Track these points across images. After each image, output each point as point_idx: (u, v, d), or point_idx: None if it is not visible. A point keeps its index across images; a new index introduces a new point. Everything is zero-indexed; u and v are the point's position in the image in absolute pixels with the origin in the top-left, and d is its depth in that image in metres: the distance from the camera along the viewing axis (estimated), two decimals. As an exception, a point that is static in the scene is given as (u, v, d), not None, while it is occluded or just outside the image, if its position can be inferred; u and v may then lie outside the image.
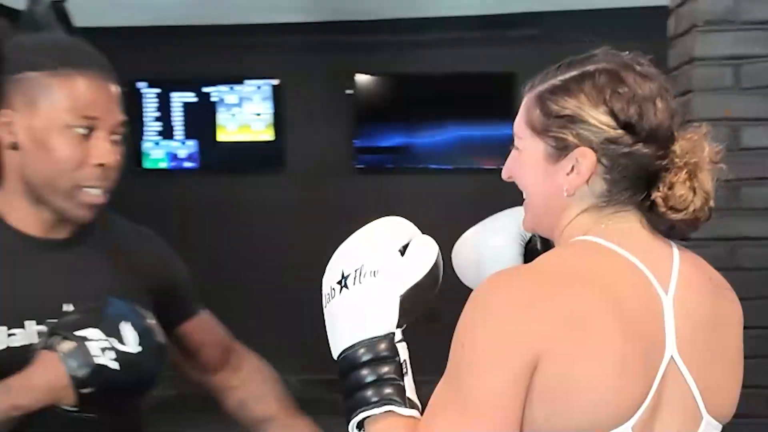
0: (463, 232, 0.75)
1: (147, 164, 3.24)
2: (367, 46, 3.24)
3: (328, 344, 0.52)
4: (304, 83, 3.23)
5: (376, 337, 0.49)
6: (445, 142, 3.25)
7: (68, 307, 0.69)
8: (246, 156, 3.25)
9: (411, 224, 0.57)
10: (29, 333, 0.67)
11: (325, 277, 0.55)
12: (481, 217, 0.76)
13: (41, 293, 0.69)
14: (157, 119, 3.21)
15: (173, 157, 3.24)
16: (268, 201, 3.26)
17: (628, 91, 0.51)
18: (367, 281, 0.50)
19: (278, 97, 3.22)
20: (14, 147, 0.67)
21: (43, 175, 0.68)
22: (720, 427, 0.59)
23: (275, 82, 3.21)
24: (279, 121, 3.22)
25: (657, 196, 0.52)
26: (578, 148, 0.51)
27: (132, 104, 3.14)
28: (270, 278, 3.26)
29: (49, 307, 0.68)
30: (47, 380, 0.61)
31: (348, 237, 0.53)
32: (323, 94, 3.26)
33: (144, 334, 0.63)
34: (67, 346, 0.60)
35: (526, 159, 0.56)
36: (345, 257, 0.54)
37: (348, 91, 3.21)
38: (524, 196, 0.59)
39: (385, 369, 0.48)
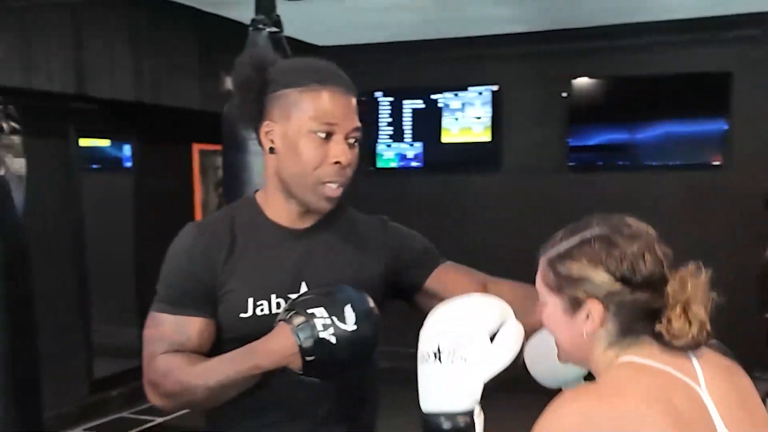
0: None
1: (380, 164, 3.71)
2: (582, 51, 3.42)
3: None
4: (522, 88, 3.49)
5: (458, 413, 0.59)
6: (656, 140, 3.37)
7: (305, 287, 0.79)
8: (466, 156, 3.60)
9: (505, 305, 0.67)
10: (272, 305, 0.78)
11: (422, 338, 0.64)
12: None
13: (286, 273, 0.80)
14: (389, 124, 3.65)
15: (402, 157, 3.68)
16: (486, 197, 3.61)
17: (619, 252, 0.59)
18: (458, 364, 0.59)
19: (497, 101, 3.52)
20: (272, 151, 0.79)
21: (293, 173, 0.78)
22: None
23: (495, 88, 3.51)
24: (497, 124, 3.53)
25: (660, 328, 0.59)
26: (588, 300, 0.60)
27: (369, 111, 3.59)
28: (486, 268, 3.63)
29: (290, 286, 0.79)
30: (281, 346, 0.69)
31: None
32: (539, 98, 3.50)
33: (362, 317, 0.71)
34: (299, 320, 0.69)
35: (551, 312, 0.65)
36: (443, 331, 0.63)
37: (563, 94, 3.44)
38: (554, 342, 0.67)
39: None
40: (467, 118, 3.56)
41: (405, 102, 3.62)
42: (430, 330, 0.63)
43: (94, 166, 3.10)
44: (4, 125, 1.40)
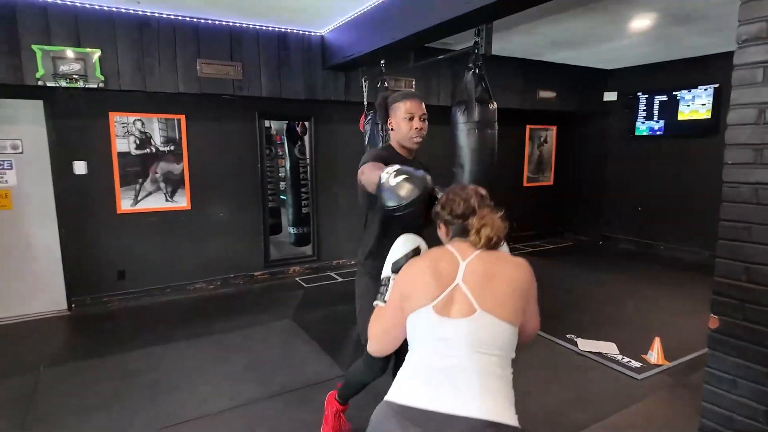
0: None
1: (637, 133, 6.56)
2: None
3: None
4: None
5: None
6: None
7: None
8: (693, 127, 5.99)
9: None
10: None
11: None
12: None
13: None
14: (644, 110, 6.43)
15: (651, 129, 6.40)
16: (705, 155, 5.91)
17: (449, 202, 1.45)
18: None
19: (717, 94, 5.72)
20: (392, 129, 2.19)
21: (400, 136, 2.16)
22: (500, 322, 1.25)
23: (716, 86, 5.73)
24: (716, 107, 5.75)
25: (470, 237, 1.38)
26: (440, 222, 1.48)
27: (633, 104, 6.47)
28: (699, 202, 5.99)
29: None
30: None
31: None
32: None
33: (419, 178, 1.53)
34: (393, 171, 1.58)
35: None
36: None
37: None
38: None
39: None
40: (696, 105, 5.91)
41: (655, 97, 6.29)
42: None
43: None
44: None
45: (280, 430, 2.57)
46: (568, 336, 3.72)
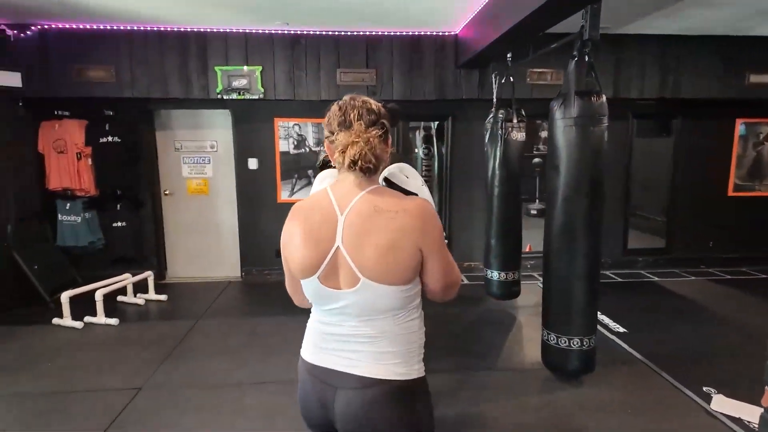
0: None
1: None
2: None
3: None
4: None
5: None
6: None
7: None
8: None
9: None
10: None
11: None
12: None
13: None
14: None
15: None
16: None
17: (331, 114, 1.20)
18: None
19: None
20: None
21: None
22: (383, 286, 1.11)
23: None
24: None
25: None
26: (325, 142, 1.22)
27: None
28: None
29: None
30: None
31: None
32: None
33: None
34: None
35: None
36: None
37: None
38: None
39: None
40: None
41: None
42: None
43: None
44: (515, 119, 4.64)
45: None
46: (704, 389, 2.91)
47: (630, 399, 2.86)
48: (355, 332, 1.19)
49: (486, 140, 4.30)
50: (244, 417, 2.71)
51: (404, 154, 8.66)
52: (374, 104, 1.22)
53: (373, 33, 4.70)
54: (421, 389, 1.25)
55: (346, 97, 1.23)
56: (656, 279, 5.40)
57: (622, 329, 3.91)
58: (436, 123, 6.15)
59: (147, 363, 3.33)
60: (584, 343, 2.90)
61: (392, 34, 4.72)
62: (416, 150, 8.12)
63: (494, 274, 4.35)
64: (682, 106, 5.47)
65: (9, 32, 4.35)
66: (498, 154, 4.18)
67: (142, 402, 2.84)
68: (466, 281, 5.36)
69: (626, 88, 5.00)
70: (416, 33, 4.73)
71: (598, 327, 3.92)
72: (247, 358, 3.43)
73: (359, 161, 1.13)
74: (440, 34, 4.75)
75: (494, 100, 4.37)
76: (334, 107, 1.22)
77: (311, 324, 1.31)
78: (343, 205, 1.15)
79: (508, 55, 4.08)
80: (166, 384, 3.06)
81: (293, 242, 1.19)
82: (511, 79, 4.16)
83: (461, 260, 5.62)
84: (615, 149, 5.63)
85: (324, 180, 1.35)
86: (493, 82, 4.42)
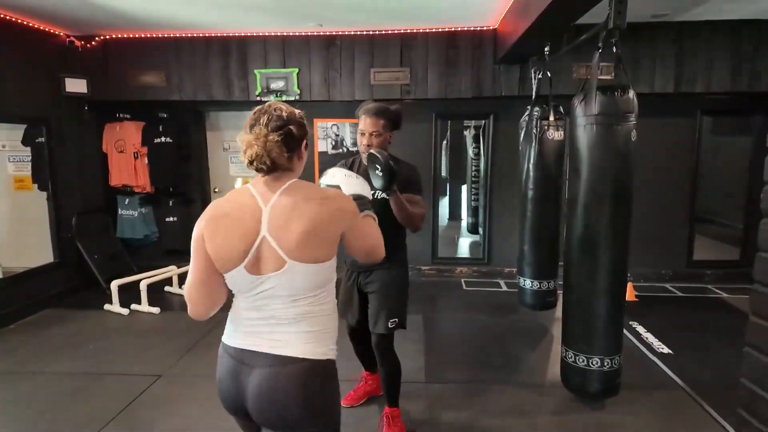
0: None
1: None
2: None
3: None
4: None
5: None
6: None
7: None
8: None
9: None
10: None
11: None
12: None
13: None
14: None
15: None
16: None
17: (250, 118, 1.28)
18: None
19: None
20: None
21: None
22: (306, 264, 1.22)
23: None
24: None
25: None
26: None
27: None
28: None
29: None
30: None
31: None
32: None
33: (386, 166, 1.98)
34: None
35: None
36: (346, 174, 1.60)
37: None
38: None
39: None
40: None
41: None
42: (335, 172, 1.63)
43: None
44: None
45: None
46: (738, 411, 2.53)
47: (656, 427, 2.57)
48: (277, 314, 1.28)
49: (520, 139, 4.07)
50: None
51: (453, 154, 8.52)
52: (287, 112, 1.30)
53: (408, 31, 4.62)
54: (331, 371, 1.33)
55: (267, 103, 1.32)
56: (724, 295, 4.81)
57: (666, 350, 3.52)
58: (482, 122, 5.92)
59: (173, 352, 3.52)
60: (605, 364, 2.64)
61: (427, 31, 4.61)
62: (468, 149, 7.91)
63: (527, 283, 4.10)
64: (762, 100, 4.82)
65: (77, 43, 4.80)
66: (532, 154, 3.92)
67: (158, 389, 3.01)
68: (504, 288, 5.13)
69: (690, 81, 4.49)
70: (452, 29, 4.58)
71: (639, 346, 3.58)
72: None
73: (255, 162, 1.23)
74: (477, 29, 4.56)
75: (532, 96, 4.12)
76: (253, 111, 1.31)
77: (233, 313, 1.36)
78: (266, 199, 1.25)
79: (546, 49, 3.82)
80: (184, 373, 3.22)
81: (218, 237, 1.25)
82: (549, 73, 3.88)
83: (502, 266, 5.38)
84: (678, 150, 5.10)
85: (334, 176, 1.61)
86: (532, 77, 4.17)
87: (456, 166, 8.76)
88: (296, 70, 4.73)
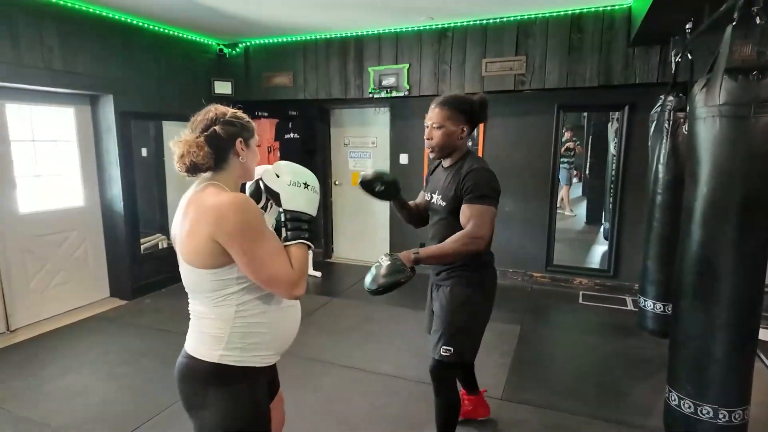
0: None
1: None
2: None
3: None
4: None
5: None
6: None
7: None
8: None
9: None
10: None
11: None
12: None
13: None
14: None
15: None
16: None
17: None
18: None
19: None
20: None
21: None
22: (189, 266, 1.29)
23: None
24: None
25: None
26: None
27: None
28: None
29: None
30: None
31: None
32: None
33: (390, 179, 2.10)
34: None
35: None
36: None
37: None
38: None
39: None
40: None
41: None
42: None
43: None
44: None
45: (391, 409, 2.76)
46: None
47: None
48: (190, 308, 1.39)
49: (650, 134, 3.45)
50: (313, 391, 2.91)
51: (596, 149, 7.60)
52: (216, 113, 1.30)
53: (525, 17, 4.25)
54: (221, 377, 1.29)
55: (206, 107, 1.35)
56: None
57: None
58: (616, 114, 5.17)
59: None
60: (721, 416, 2.11)
61: (547, 15, 4.18)
62: (609, 144, 7.01)
63: (648, 304, 3.49)
64: None
65: (225, 51, 5.52)
66: (662, 152, 3.30)
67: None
68: (629, 307, 4.44)
69: None
70: (577, 11, 4.07)
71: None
72: (346, 341, 3.65)
73: (178, 162, 1.28)
74: (608, 8, 3.98)
75: (671, 83, 3.45)
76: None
77: None
78: (185, 197, 1.34)
79: (687, 26, 3.15)
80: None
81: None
82: (689, 56, 3.21)
83: (631, 281, 4.66)
84: None
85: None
86: (672, 60, 3.49)
87: (599, 162, 7.87)
88: (407, 65, 4.73)
